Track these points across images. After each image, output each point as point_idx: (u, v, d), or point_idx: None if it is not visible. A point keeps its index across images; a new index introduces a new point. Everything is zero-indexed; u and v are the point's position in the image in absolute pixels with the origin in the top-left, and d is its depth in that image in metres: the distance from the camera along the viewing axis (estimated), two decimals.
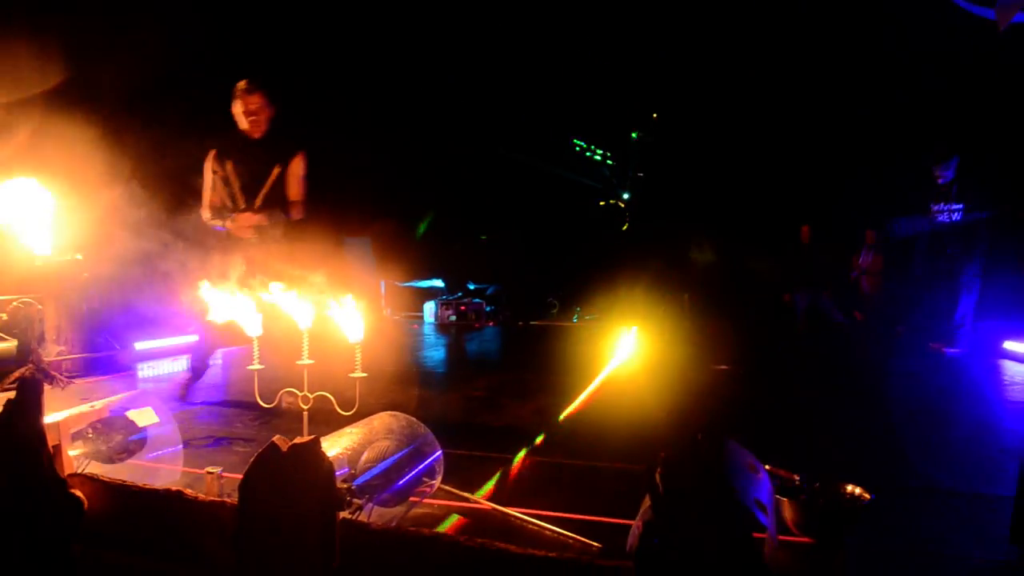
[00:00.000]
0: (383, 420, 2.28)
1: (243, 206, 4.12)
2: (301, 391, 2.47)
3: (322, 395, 2.45)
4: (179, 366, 5.60)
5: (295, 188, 4.22)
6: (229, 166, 4.13)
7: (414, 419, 2.33)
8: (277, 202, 4.17)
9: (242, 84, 4.10)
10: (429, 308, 9.73)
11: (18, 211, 4.70)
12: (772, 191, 10.03)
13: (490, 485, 2.64)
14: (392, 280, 10.41)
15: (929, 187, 6.15)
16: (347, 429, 2.21)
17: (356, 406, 2.40)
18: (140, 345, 5.75)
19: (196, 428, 3.60)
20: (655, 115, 13.00)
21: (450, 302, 9.50)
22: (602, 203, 13.64)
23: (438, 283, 10.74)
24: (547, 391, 4.71)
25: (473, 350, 7.39)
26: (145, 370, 5.44)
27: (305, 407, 2.47)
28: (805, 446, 3.36)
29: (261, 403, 2.45)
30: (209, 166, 4.16)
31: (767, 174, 10.26)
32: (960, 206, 5.96)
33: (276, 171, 4.12)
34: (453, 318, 9.32)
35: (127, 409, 2.47)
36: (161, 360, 5.74)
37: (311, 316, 2.48)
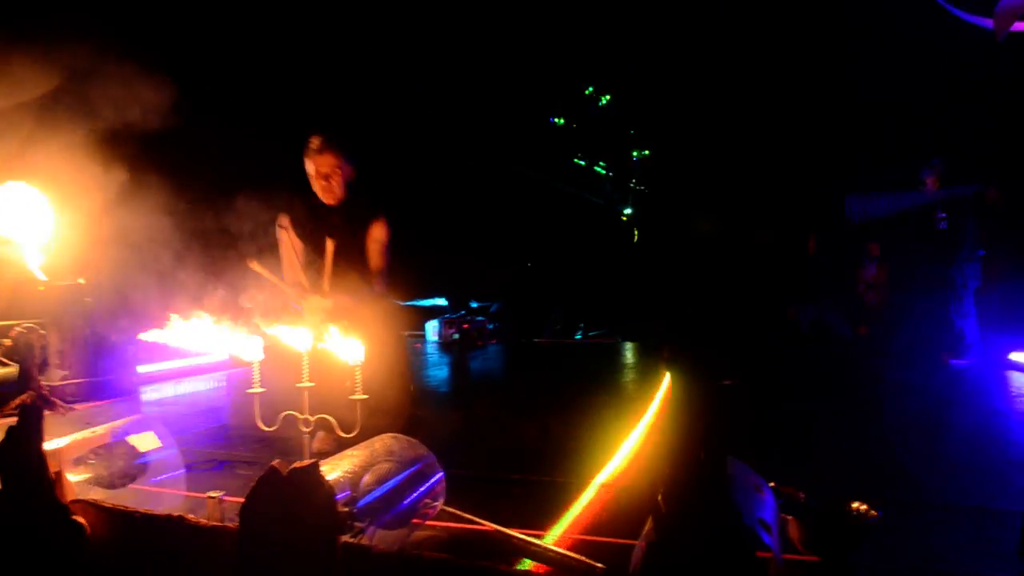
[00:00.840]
0: (384, 442, 2.27)
1: (312, 287, 3.39)
2: (302, 414, 2.47)
3: (323, 418, 2.45)
4: (182, 389, 5.60)
5: (376, 258, 3.54)
6: (298, 237, 3.46)
7: (415, 440, 2.32)
8: (357, 279, 3.46)
9: (314, 142, 3.40)
10: (432, 327, 9.71)
11: (16, 221, 4.46)
12: (778, 202, 10.05)
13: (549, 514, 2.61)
14: (395, 299, 10.39)
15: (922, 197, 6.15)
16: (348, 452, 2.20)
17: (358, 428, 2.40)
18: (143, 368, 5.76)
19: (198, 452, 3.59)
20: (649, 147, 13.15)
21: (453, 320, 9.49)
22: (621, 218, 13.69)
23: (441, 301, 10.73)
24: (550, 410, 4.69)
25: (476, 369, 7.38)
26: (148, 393, 5.44)
27: (306, 430, 2.47)
28: (810, 462, 3.33)
29: (262, 427, 2.44)
30: (281, 236, 3.48)
31: (772, 186, 10.29)
32: (945, 215, 5.98)
33: (330, 247, 3.34)
34: (456, 336, 9.30)
35: (129, 434, 2.47)
36: (164, 383, 5.74)
37: (312, 339, 2.48)
